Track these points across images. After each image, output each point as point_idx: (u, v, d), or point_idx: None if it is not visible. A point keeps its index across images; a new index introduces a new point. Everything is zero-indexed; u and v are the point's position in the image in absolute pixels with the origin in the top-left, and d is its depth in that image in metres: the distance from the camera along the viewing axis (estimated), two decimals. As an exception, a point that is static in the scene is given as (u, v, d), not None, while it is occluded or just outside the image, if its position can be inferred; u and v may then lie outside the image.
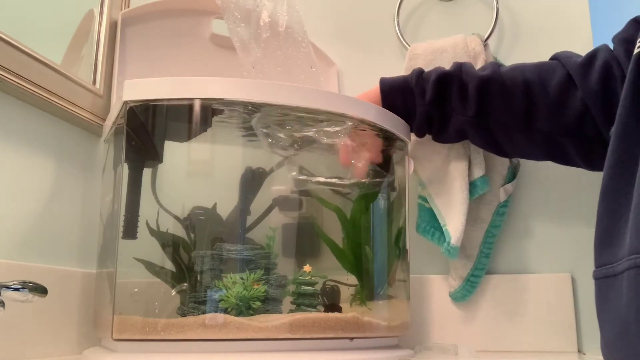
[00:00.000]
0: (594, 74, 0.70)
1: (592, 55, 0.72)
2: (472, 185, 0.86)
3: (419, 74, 0.80)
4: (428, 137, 0.85)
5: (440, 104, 0.79)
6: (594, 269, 0.60)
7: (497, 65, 0.79)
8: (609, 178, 0.59)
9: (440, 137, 0.83)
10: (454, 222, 0.84)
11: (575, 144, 0.74)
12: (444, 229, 0.85)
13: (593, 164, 0.76)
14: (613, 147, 0.58)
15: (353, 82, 1.05)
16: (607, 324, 0.57)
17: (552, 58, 0.78)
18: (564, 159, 0.78)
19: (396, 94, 0.80)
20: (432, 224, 0.89)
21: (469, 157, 0.87)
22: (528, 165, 0.93)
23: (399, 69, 1.00)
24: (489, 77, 0.76)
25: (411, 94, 0.79)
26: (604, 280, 0.58)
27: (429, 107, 0.79)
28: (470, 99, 0.77)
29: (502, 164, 0.89)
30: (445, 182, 0.87)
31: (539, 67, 0.76)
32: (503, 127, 0.77)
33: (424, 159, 0.90)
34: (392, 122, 0.78)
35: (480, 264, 0.89)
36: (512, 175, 0.91)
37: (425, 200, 0.90)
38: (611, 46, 0.72)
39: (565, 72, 0.74)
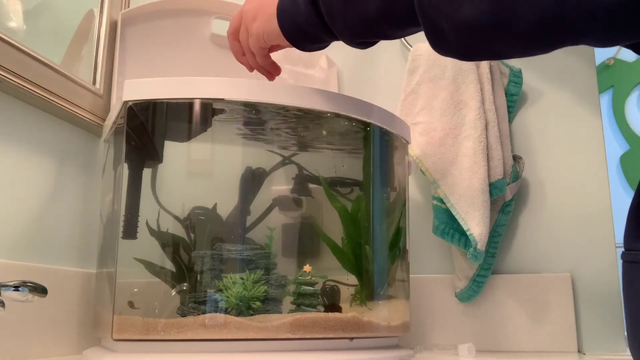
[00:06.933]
0: None
1: None
2: (492, 187, 0.85)
3: None
4: (432, 135, 0.83)
5: None
6: (623, 250, 0.59)
7: None
8: None
9: None
10: (478, 226, 0.82)
11: None
12: (468, 234, 0.83)
13: None
14: None
15: (353, 82, 1.04)
16: (629, 308, 0.57)
17: None
18: None
19: None
20: (451, 225, 0.87)
21: (487, 157, 0.85)
22: (529, 166, 0.94)
23: (401, 70, 1.00)
24: None
25: None
26: (630, 264, 0.58)
27: None
28: None
29: (507, 162, 0.89)
30: (462, 183, 0.85)
31: None
32: None
33: (434, 156, 0.88)
34: (394, 123, 0.78)
35: (486, 264, 0.88)
36: (516, 174, 0.90)
37: (441, 201, 0.87)
38: None
39: None
